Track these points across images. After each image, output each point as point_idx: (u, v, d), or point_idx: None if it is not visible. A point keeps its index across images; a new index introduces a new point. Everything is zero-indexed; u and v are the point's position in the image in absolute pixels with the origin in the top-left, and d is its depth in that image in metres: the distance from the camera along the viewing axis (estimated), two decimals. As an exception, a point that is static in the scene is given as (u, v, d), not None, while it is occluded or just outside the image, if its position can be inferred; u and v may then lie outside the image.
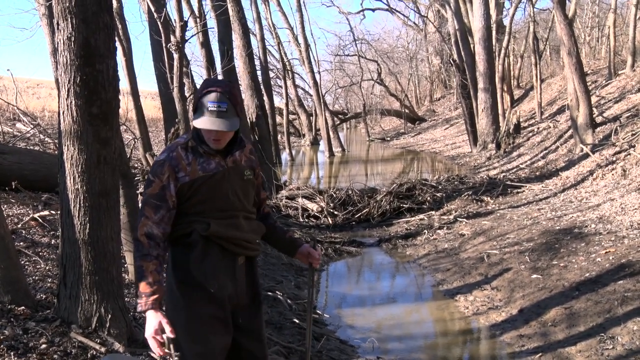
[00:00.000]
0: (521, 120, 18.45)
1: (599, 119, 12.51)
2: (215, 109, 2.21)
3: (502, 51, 20.47)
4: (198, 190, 2.30)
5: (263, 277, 6.38)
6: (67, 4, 3.19)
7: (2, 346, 3.11)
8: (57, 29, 3.27)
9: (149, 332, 2.15)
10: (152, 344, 2.15)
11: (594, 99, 14.15)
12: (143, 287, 2.18)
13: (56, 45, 3.33)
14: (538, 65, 20.01)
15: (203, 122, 2.21)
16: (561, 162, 12.18)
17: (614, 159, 9.85)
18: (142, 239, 2.23)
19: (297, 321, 5.17)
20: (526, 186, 10.79)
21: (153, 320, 2.16)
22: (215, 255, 2.33)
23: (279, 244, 2.66)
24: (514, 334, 4.98)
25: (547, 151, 14.13)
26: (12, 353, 3.07)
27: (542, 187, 10.54)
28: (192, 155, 2.30)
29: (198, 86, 2.62)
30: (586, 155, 11.00)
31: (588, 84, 12.94)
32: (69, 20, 3.21)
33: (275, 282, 6.48)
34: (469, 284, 6.45)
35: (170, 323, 2.34)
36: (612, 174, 9.27)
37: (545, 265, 6.17)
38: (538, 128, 17.30)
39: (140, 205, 2.30)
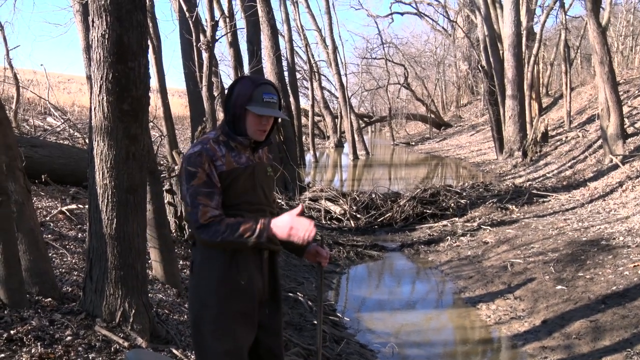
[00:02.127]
0: (549, 128, 18.22)
1: (630, 130, 12.29)
2: (270, 100, 2.34)
3: (532, 58, 20.21)
4: (234, 181, 2.32)
5: (284, 278, 6.39)
6: (102, 2, 3.23)
7: (29, 336, 3.16)
8: (92, 26, 3.32)
9: (296, 225, 2.19)
10: (305, 226, 2.19)
11: (625, 109, 13.90)
12: (245, 227, 2.20)
13: (90, 42, 3.38)
14: (568, 74, 19.72)
15: (262, 111, 2.33)
16: (589, 172, 11.98)
17: (645, 170, 9.66)
18: (209, 221, 2.22)
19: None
20: (552, 196, 10.63)
21: (285, 218, 2.22)
22: (246, 249, 2.33)
23: (287, 243, 2.65)
24: (537, 345, 4.91)
25: (575, 161, 13.91)
26: (38, 343, 3.13)
27: (569, 197, 10.37)
28: (225, 149, 2.35)
29: (226, 86, 2.68)
30: (616, 166, 10.81)
31: (620, 93, 12.71)
32: (104, 18, 3.25)
33: (297, 283, 6.48)
34: (491, 292, 6.37)
35: (199, 320, 2.33)
36: (642, 186, 9.09)
37: (571, 277, 6.07)
38: (566, 137, 17.04)
39: (187, 200, 2.26)
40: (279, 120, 2.58)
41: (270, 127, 2.42)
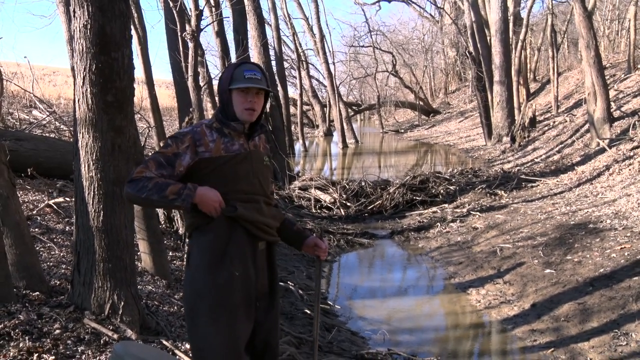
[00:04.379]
0: (537, 113, 18.28)
1: (616, 114, 12.35)
2: (252, 76, 2.32)
3: (519, 44, 20.23)
4: (220, 169, 2.30)
5: (275, 267, 6.38)
6: (84, -8, 3.19)
7: (17, 330, 3.14)
8: (74, 16, 3.27)
9: (211, 198, 2.22)
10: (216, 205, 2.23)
11: (612, 93, 13.96)
12: (173, 188, 2.18)
13: (72, 33, 3.34)
14: (555, 59, 19.76)
15: (244, 84, 2.30)
16: (577, 156, 12.05)
17: (632, 154, 9.73)
18: (139, 177, 2.20)
19: (308, 312, 5.18)
20: (541, 180, 10.69)
21: (207, 190, 2.22)
22: (240, 239, 2.31)
23: (286, 235, 2.62)
24: (526, 329, 4.96)
25: (562, 145, 13.99)
26: (26, 337, 3.11)
27: (557, 181, 10.43)
28: (216, 134, 2.34)
29: (213, 76, 2.66)
30: (602, 150, 10.87)
31: (606, 77, 12.77)
32: (86, 8, 3.21)
33: (287, 272, 6.49)
34: (481, 277, 6.42)
35: (194, 312, 2.30)
36: (629, 169, 9.16)
37: (559, 260, 6.12)
38: (554, 122, 17.12)
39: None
40: (268, 105, 2.54)
41: (260, 106, 2.39)
